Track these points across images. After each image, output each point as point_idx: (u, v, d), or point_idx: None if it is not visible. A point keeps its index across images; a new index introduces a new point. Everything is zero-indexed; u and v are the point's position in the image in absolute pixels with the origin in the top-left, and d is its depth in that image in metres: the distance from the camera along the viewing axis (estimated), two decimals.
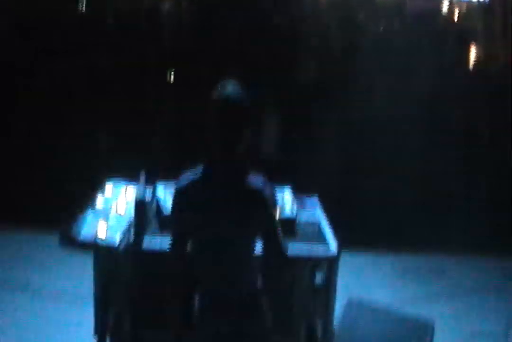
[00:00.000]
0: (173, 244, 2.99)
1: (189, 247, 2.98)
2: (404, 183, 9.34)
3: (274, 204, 3.26)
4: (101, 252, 3.98)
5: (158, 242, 3.84)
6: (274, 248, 2.99)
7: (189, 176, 2.95)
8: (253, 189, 2.90)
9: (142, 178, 4.14)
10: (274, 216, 3.06)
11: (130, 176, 4.38)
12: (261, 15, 16.77)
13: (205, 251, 2.96)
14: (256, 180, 2.94)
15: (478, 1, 25.13)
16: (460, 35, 19.18)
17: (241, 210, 2.89)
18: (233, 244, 2.92)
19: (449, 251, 7.45)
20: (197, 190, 2.91)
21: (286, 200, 4.31)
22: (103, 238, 3.95)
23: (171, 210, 3.00)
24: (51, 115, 9.60)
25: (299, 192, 4.55)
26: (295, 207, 4.25)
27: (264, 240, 2.98)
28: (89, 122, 9.62)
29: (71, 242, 4.01)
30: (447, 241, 8.13)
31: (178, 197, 2.95)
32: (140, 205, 3.92)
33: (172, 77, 11.83)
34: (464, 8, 26.03)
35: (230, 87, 2.90)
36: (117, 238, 3.94)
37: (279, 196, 4.32)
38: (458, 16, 25.13)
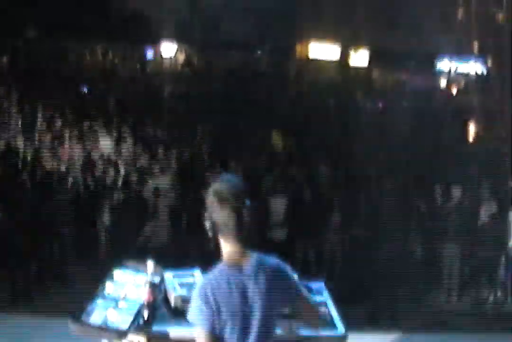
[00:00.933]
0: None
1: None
2: (407, 267, 9.46)
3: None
4: (111, 337, 4.05)
5: (168, 328, 3.93)
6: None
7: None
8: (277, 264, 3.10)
9: (151, 265, 4.26)
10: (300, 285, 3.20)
11: (138, 263, 4.49)
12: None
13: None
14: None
15: (476, 75, 25.74)
16: (459, 111, 19.52)
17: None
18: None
19: (454, 329, 7.47)
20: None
21: None
22: (113, 323, 4.03)
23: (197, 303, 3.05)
24: (61, 202, 9.76)
25: (305, 278, 4.66)
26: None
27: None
28: (99, 210, 9.80)
29: (82, 327, 4.09)
30: (451, 319, 8.19)
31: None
32: (150, 290, 4.04)
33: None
34: (462, 83, 26.60)
35: (230, 179, 3.11)
36: (127, 323, 4.01)
37: None
38: (457, 91, 25.65)
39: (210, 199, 3.06)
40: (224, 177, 3.17)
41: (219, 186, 3.08)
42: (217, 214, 3.04)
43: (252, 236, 3.13)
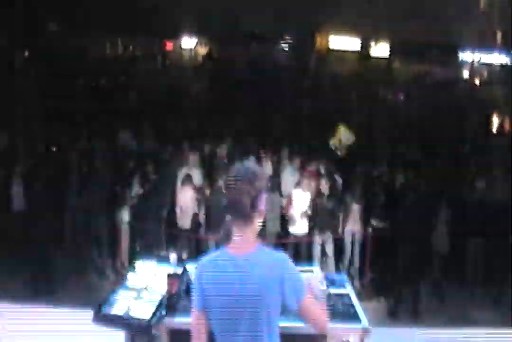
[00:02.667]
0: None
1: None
2: (428, 260, 9.41)
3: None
4: (133, 328, 4.06)
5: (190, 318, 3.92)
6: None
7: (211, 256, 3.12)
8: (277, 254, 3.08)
9: (173, 257, 4.27)
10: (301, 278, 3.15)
11: (160, 255, 4.50)
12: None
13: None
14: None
15: (501, 65, 25.48)
16: (483, 101, 19.34)
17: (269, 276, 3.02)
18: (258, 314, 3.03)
19: (474, 324, 7.43)
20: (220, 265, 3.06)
21: (316, 277, 4.38)
22: (135, 314, 4.04)
23: (194, 284, 3.13)
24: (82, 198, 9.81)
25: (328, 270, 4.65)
26: (325, 284, 4.32)
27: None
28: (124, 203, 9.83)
29: (104, 318, 4.10)
30: (471, 314, 8.14)
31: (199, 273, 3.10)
32: (172, 281, 4.05)
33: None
34: (486, 73, 26.34)
35: (243, 163, 3.12)
36: (149, 314, 4.02)
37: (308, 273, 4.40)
38: (480, 81, 25.41)
39: (227, 181, 3.08)
40: (245, 162, 3.16)
41: (238, 168, 3.09)
42: (230, 195, 3.05)
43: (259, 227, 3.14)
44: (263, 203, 3.08)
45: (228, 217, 3.10)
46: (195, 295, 3.09)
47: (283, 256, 3.09)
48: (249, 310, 3.00)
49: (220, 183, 9.41)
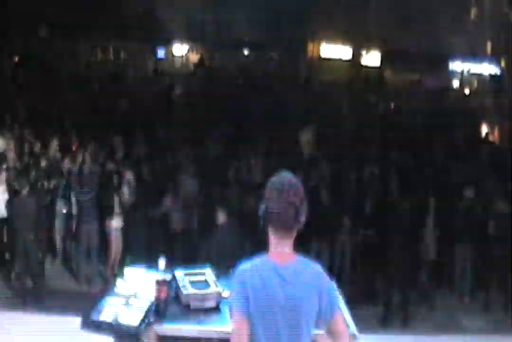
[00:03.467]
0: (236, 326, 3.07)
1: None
2: (417, 267, 9.45)
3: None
4: (121, 334, 4.05)
5: (179, 325, 3.93)
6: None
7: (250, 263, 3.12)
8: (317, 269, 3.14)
9: (162, 263, 4.26)
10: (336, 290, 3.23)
11: (149, 261, 4.50)
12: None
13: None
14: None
15: (490, 75, 25.64)
16: (473, 110, 19.42)
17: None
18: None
19: (466, 332, 7.46)
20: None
21: None
22: (124, 320, 4.03)
23: (235, 289, 3.11)
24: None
25: None
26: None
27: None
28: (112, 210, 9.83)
29: (93, 325, 4.09)
30: (460, 321, 8.18)
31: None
32: (161, 287, 4.04)
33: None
34: (476, 83, 26.50)
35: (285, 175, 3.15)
36: (137, 321, 4.01)
37: None
38: (470, 91, 25.55)
39: (270, 191, 3.09)
40: (283, 173, 3.18)
41: (280, 179, 3.12)
42: (274, 206, 3.06)
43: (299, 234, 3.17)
44: (304, 214, 3.11)
45: (268, 227, 3.12)
46: (238, 301, 3.06)
47: (321, 268, 3.16)
48: (289, 318, 3.04)
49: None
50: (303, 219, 3.11)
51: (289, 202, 3.05)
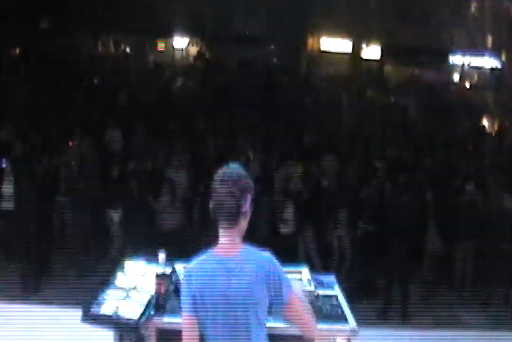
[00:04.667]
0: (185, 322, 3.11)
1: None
2: (417, 262, 9.46)
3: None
4: (121, 328, 4.06)
5: (179, 318, 3.92)
6: None
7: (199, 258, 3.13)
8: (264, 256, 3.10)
9: (162, 256, 4.27)
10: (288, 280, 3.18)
11: (149, 255, 4.50)
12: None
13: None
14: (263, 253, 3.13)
15: (491, 69, 25.60)
16: (473, 104, 19.41)
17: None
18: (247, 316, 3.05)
19: (465, 326, 7.47)
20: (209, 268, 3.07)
21: (304, 278, 4.39)
22: (124, 314, 4.04)
23: (182, 287, 3.15)
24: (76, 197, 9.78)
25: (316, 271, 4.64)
26: (313, 285, 4.33)
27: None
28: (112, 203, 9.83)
29: (93, 318, 4.10)
30: (460, 316, 8.19)
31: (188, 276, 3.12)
32: (161, 281, 4.05)
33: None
34: (476, 77, 26.46)
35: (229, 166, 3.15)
36: (137, 314, 4.02)
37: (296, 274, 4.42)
38: (470, 85, 25.52)
39: (213, 183, 3.10)
40: (230, 164, 3.17)
41: (223, 170, 3.11)
42: (215, 196, 3.07)
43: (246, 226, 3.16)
44: (248, 204, 3.09)
45: (214, 219, 3.11)
46: (185, 299, 3.10)
47: (269, 256, 3.12)
48: (239, 311, 3.03)
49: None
50: (245, 209, 3.08)
51: (228, 192, 3.03)
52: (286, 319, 3.25)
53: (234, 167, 3.14)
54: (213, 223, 3.16)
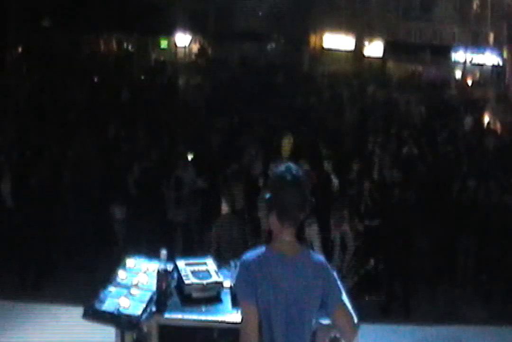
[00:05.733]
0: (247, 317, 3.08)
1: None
2: (419, 257, 9.46)
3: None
4: (123, 324, 4.08)
5: (180, 315, 3.95)
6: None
7: (254, 252, 3.14)
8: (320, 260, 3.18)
9: (164, 253, 4.29)
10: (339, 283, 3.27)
11: (151, 252, 4.52)
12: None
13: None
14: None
15: (492, 66, 25.56)
16: (475, 101, 19.38)
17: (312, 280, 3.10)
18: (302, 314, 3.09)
19: (467, 322, 7.47)
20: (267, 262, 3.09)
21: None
22: (126, 310, 4.06)
23: (242, 279, 3.10)
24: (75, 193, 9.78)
25: None
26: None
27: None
28: (113, 201, 9.84)
29: (95, 314, 4.12)
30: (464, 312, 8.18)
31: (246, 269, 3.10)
32: (162, 278, 4.07)
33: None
34: (478, 74, 26.43)
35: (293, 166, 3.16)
36: (139, 311, 4.04)
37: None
38: (473, 81, 25.49)
39: (277, 180, 3.11)
40: (290, 164, 3.19)
41: (288, 170, 3.11)
42: (281, 195, 3.08)
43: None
44: (310, 205, 3.15)
45: (275, 217, 3.13)
46: (246, 290, 3.06)
47: (325, 261, 3.21)
48: (294, 310, 3.07)
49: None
50: (308, 209, 3.14)
51: (297, 191, 3.07)
52: (333, 326, 3.31)
53: (297, 168, 3.16)
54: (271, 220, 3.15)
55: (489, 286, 9.55)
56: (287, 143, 12.27)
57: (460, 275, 9.85)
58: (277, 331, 3.07)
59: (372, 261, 9.75)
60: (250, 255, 3.12)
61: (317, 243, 9.84)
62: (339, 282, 3.29)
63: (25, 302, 6.86)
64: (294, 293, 3.06)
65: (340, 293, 3.22)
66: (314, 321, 3.18)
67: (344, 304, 3.26)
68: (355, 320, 3.97)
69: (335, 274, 3.27)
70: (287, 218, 3.10)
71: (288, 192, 3.07)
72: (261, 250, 3.13)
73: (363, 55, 27.65)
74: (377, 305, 9.01)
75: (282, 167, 3.15)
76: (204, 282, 4.21)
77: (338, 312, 3.17)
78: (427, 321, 8.08)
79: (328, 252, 10.00)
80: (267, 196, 3.14)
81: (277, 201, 3.09)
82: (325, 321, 3.77)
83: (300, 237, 3.30)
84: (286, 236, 3.12)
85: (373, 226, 9.67)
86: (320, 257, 3.20)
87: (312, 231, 9.96)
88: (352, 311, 3.43)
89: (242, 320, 3.08)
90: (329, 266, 3.19)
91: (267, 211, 3.16)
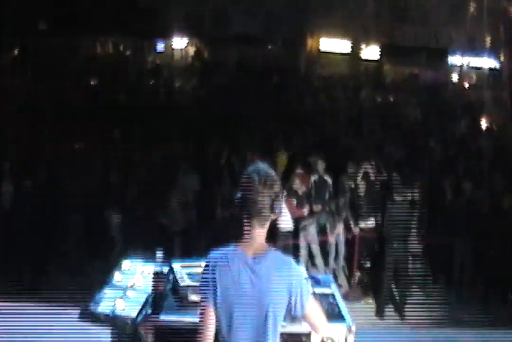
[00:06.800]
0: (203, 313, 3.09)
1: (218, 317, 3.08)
2: (415, 261, 9.47)
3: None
4: (119, 326, 4.08)
5: (176, 317, 3.95)
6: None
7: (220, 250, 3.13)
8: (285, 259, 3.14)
9: (159, 255, 4.29)
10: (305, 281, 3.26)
11: (147, 253, 4.52)
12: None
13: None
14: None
15: (489, 69, 25.60)
16: (472, 104, 19.41)
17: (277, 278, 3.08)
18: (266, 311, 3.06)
19: (463, 325, 7.48)
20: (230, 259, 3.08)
21: None
22: (121, 312, 4.05)
23: (204, 278, 3.11)
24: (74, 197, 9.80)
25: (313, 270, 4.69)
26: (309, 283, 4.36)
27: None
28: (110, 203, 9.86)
29: (91, 316, 4.12)
30: (458, 315, 8.18)
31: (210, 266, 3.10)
32: (158, 279, 4.07)
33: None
34: (475, 77, 26.48)
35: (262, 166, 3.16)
36: (134, 313, 4.04)
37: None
38: (469, 85, 25.54)
39: (247, 180, 3.09)
40: (260, 164, 3.18)
41: (258, 170, 3.11)
42: (251, 195, 3.06)
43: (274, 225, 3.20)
44: (279, 206, 3.12)
45: (243, 216, 3.12)
46: (207, 289, 3.07)
47: (291, 261, 3.16)
48: (259, 311, 3.05)
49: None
50: (278, 209, 3.11)
51: (264, 193, 3.05)
52: (305, 322, 3.30)
53: (267, 168, 3.15)
54: (240, 218, 3.15)
55: (485, 289, 9.57)
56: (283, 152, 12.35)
57: (456, 278, 9.86)
58: (238, 332, 3.05)
59: (368, 264, 9.79)
60: (215, 253, 3.11)
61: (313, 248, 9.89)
62: (307, 285, 3.26)
63: (21, 303, 6.86)
64: (257, 295, 3.04)
65: (308, 293, 3.17)
66: (279, 324, 3.13)
67: (314, 304, 3.20)
68: (348, 322, 4.01)
69: (303, 276, 3.23)
70: (255, 218, 3.09)
71: (255, 192, 3.05)
72: (227, 248, 3.12)
73: (360, 58, 27.70)
74: (373, 309, 9.03)
75: (251, 168, 3.14)
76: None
77: (309, 311, 3.15)
78: (423, 324, 8.10)
79: (323, 256, 10.05)
80: (237, 196, 3.13)
81: (245, 201, 3.08)
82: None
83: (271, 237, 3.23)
84: (253, 236, 3.10)
85: (369, 230, 9.71)
86: (287, 259, 3.15)
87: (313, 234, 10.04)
88: (345, 313, 3.46)
89: (199, 318, 3.09)
90: (297, 267, 3.15)
91: (238, 211, 3.14)
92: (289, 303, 3.09)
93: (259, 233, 3.12)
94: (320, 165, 10.60)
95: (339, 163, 11.62)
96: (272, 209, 3.08)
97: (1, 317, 6.14)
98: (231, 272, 3.04)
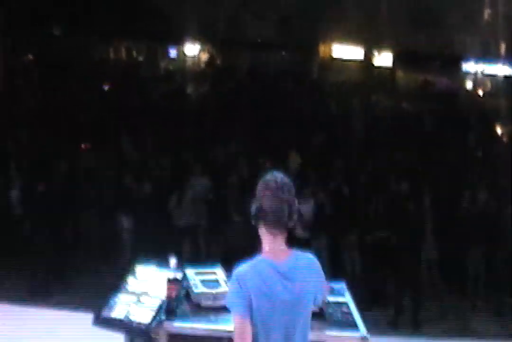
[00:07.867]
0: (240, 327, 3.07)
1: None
2: (429, 270, 9.42)
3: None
4: (133, 332, 4.07)
5: (189, 324, 3.94)
6: None
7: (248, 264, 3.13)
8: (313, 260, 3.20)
9: (173, 261, 4.28)
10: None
11: (160, 259, 4.51)
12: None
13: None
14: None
15: (504, 77, 25.47)
16: (486, 112, 19.31)
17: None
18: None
19: (477, 336, 7.41)
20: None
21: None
22: (135, 318, 4.05)
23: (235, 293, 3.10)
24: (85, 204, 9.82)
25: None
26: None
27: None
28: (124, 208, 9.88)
29: (104, 321, 4.12)
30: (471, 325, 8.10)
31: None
32: (172, 286, 4.06)
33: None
34: (489, 84, 26.36)
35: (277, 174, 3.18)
36: (148, 319, 4.03)
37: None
38: (484, 92, 25.41)
39: (263, 189, 3.12)
40: (275, 172, 3.21)
41: (274, 178, 3.14)
42: (268, 203, 3.09)
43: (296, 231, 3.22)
44: (297, 212, 3.14)
45: (263, 227, 3.14)
46: (238, 302, 3.06)
47: (314, 258, 3.22)
48: (290, 313, 3.08)
49: None
50: (296, 216, 3.13)
51: (283, 199, 3.08)
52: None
53: (282, 175, 3.18)
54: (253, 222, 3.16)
55: (500, 298, 9.49)
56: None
57: (470, 288, 9.78)
58: (276, 340, 3.07)
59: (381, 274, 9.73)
60: (242, 267, 3.12)
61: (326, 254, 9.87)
62: (324, 280, 3.31)
63: (35, 307, 6.87)
64: (290, 299, 3.07)
65: (325, 287, 3.33)
66: (309, 323, 3.18)
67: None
68: (363, 332, 4.05)
69: (322, 272, 3.25)
70: (275, 227, 3.11)
71: (272, 200, 3.08)
72: (252, 261, 3.13)
73: (373, 65, 27.64)
74: (387, 318, 8.95)
75: (266, 176, 3.17)
76: (214, 291, 4.21)
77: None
78: (437, 334, 8.04)
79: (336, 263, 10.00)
80: (253, 206, 3.14)
81: (263, 210, 3.10)
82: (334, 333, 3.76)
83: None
84: (276, 245, 3.13)
85: (383, 237, 9.65)
86: (309, 257, 3.21)
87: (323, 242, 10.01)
88: (359, 322, 3.65)
89: (236, 335, 3.06)
90: (318, 263, 3.21)
91: (256, 221, 3.15)
92: (315, 299, 3.17)
93: (281, 241, 3.14)
94: None
95: (353, 170, 11.61)
96: (290, 216, 3.11)
97: (14, 320, 6.15)
98: (261, 280, 3.06)
